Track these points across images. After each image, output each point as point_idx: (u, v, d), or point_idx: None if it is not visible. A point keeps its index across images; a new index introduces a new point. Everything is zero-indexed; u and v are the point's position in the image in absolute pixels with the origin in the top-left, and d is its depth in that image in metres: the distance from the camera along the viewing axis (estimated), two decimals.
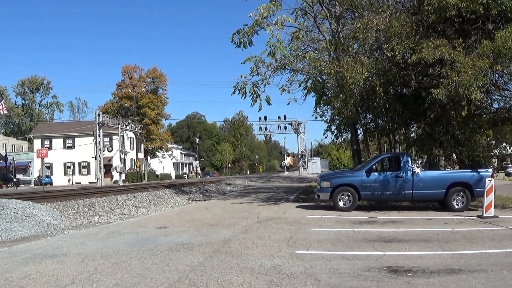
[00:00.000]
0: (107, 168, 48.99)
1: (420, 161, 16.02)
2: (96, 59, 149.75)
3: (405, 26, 12.50)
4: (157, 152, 66.78)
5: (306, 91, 20.55)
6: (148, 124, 63.10)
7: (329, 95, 18.42)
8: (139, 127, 58.56)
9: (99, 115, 44.07)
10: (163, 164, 68.31)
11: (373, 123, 18.12)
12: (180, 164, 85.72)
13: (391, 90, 14.69)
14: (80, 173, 55.45)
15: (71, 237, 8.72)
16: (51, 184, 48.84)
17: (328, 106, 18.87)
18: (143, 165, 55.44)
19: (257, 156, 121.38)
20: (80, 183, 50.96)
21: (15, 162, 51.51)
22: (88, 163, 52.91)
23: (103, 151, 44.61)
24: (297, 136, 67.81)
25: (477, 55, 11.23)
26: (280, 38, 16.87)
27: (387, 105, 14.91)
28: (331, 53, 17.10)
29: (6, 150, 60.85)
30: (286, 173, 72.21)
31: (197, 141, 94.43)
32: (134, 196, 19.25)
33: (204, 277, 5.39)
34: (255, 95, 17.67)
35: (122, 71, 65.19)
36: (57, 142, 55.11)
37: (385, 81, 13.22)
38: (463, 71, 10.93)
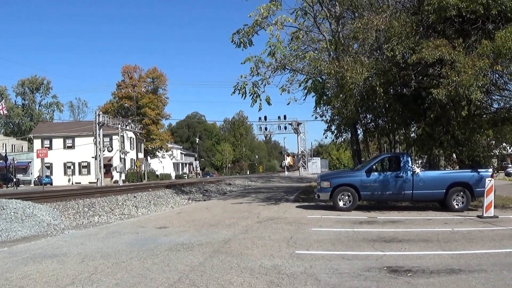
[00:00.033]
0: (107, 168, 49.00)
1: (420, 161, 16.01)
2: (96, 59, 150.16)
3: (405, 26, 12.50)
4: (157, 152, 66.78)
5: (306, 91, 20.59)
6: (148, 124, 63.11)
7: (329, 95, 18.42)
8: (139, 127, 58.56)
9: (99, 115, 44.08)
10: (163, 164, 68.31)
11: (373, 123, 18.12)
12: (180, 164, 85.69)
13: (391, 90, 14.69)
14: (80, 173, 55.46)
15: (71, 237, 8.72)
16: (51, 184, 48.83)
17: (328, 106, 18.88)
18: (143, 165, 55.44)
19: (257, 156, 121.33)
20: (80, 183, 50.95)
21: (15, 162, 51.52)
22: (88, 163, 52.92)
23: (103, 151, 44.61)
24: (297, 136, 67.82)
25: (477, 55, 11.23)
26: (280, 38, 16.94)
27: (387, 105, 14.91)
28: (331, 53, 17.10)
29: (6, 150, 60.86)
30: (286, 173, 72.19)
31: (197, 141, 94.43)
32: (134, 196, 19.24)
33: (204, 277, 5.39)
34: (255, 95, 17.69)
35: (122, 71, 65.38)
36: (57, 142, 55.12)
37: (385, 81, 13.22)
38: (463, 71, 10.93)
